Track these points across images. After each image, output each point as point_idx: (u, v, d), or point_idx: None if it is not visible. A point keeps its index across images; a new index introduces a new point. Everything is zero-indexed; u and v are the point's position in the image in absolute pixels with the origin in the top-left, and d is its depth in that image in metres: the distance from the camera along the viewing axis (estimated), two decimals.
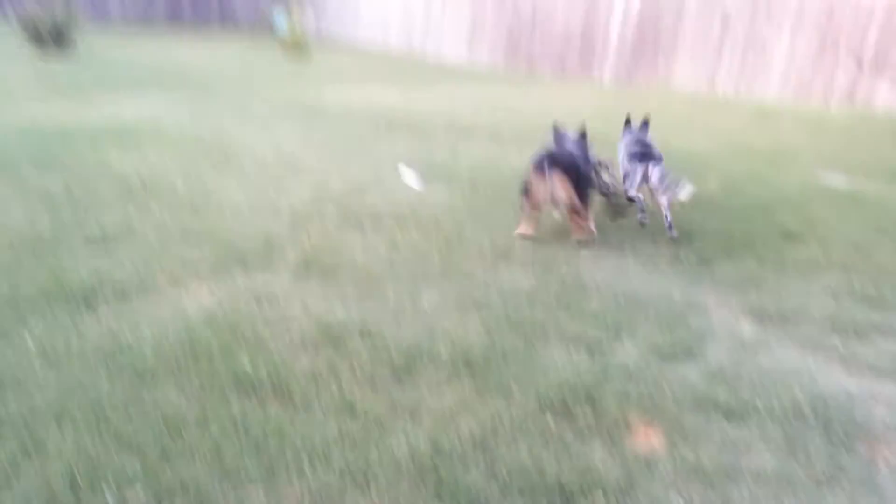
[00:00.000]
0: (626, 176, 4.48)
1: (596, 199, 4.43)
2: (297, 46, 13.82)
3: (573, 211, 4.14)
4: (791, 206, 5.35)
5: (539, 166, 4.02)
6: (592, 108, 10.06)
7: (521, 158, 6.37)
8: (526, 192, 4.13)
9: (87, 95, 7.15)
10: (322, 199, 4.64)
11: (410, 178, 5.41)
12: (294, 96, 8.55)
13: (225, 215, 4.12)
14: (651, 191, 4.44)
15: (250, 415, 2.31)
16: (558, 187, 4.00)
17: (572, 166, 4.05)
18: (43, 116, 6.01)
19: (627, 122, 4.86)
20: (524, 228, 4.25)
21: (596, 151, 4.62)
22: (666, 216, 4.36)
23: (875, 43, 13.13)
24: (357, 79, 11.17)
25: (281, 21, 16.81)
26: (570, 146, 4.38)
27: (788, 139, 8.71)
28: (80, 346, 2.57)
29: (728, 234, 4.54)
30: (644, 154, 4.41)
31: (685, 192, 4.29)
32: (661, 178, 4.34)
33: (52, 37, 9.96)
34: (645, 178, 4.36)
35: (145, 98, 7.30)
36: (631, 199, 4.43)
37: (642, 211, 4.45)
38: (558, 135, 4.56)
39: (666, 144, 7.52)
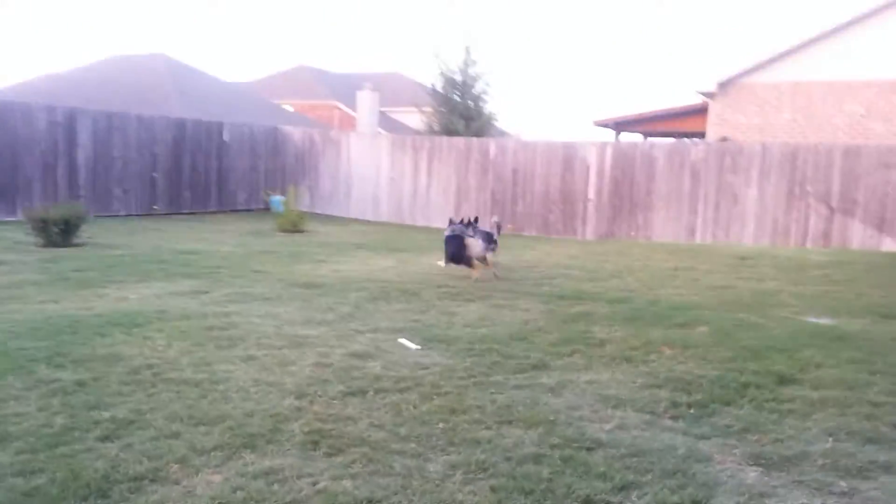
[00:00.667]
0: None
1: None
2: (294, 225, 14.53)
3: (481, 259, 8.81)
4: (782, 350, 5.53)
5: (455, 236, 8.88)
6: (575, 261, 10.50)
7: (514, 317, 6.63)
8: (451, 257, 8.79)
9: (93, 287, 7.45)
10: (325, 372, 4.77)
11: (410, 346, 5.58)
12: (293, 273, 8.91)
13: (231, 397, 4.23)
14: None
15: None
16: (472, 248, 8.68)
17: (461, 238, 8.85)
18: (52, 310, 6.24)
19: (475, 222, 9.35)
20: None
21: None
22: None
23: (840, 183, 14.04)
24: (352, 250, 11.67)
25: (277, 203, 17.77)
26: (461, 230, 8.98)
27: (771, 284, 9.06)
28: None
29: (723, 382, 4.67)
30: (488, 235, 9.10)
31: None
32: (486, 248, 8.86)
33: (59, 231, 10.50)
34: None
35: (150, 287, 7.61)
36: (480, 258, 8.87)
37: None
38: (455, 225, 9.20)
39: (653, 296, 7.86)
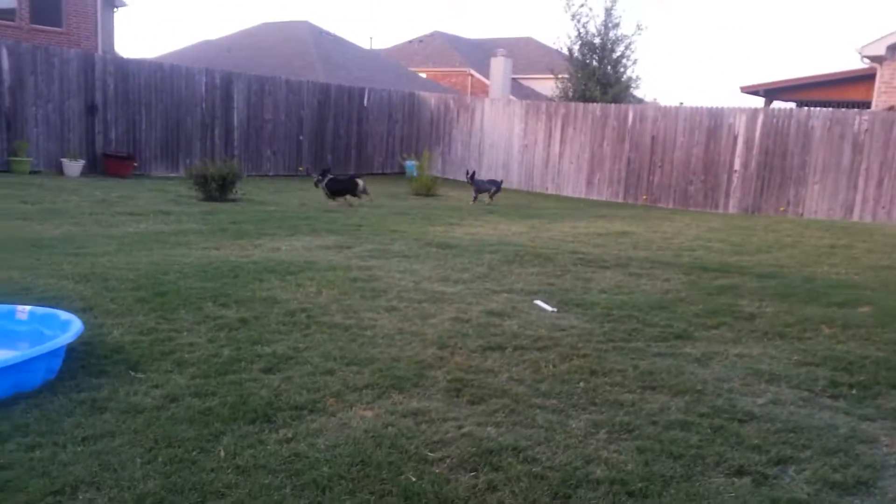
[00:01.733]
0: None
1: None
2: (427, 189, 14.82)
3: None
4: None
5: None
6: (718, 234, 9.97)
7: (655, 288, 6.42)
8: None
9: (249, 238, 8.00)
10: (464, 327, 4.86)
11: (546, 307, 5.57)
12: (428, 234, 9.11)
13: (378, 342, 4.41)
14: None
15: None
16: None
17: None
18: (215, 256, 6.78)
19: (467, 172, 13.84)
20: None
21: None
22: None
23: None
24: (483, 215, 11.75)
25: (411, 167, 18.18)
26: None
27: None
28: (265, 457, 2.81)
29: (890, 364, 4.31)
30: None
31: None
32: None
33: (217, 187, 11.34)
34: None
35: (298, 240, 8.07)
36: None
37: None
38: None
39: (807, 273, 7.34)
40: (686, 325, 5.18)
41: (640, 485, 2.76)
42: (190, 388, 3.47)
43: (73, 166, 13.55)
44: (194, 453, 2.81)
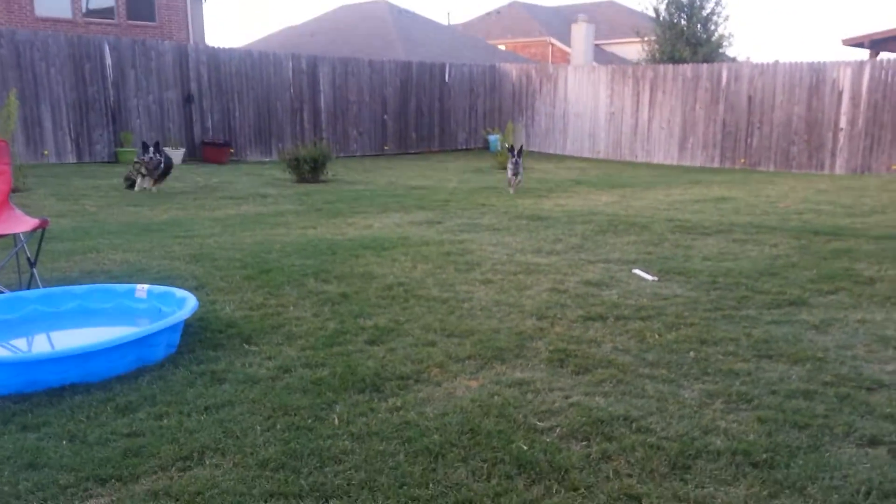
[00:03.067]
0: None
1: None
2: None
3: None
4: None
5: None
6: (826, 195, 9.38)
7: (762, 254, 6.10)
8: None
9: (343, 216, 8.17)
10: (561, 298, 4.78)
11: (646, 276, 5.40)
12: (517, 206, 9.02)
13: (476, 314, 4.40)
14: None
15: (539, 497, 2.38)
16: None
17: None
18: (312, 235, 6.95)
19: (511, 148, 10.85)
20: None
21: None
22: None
23: None
24: (572, 186, 11.53)
25: (495, 140, 18.04)
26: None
27: None
28: (377, 425, 2.86)
29: None
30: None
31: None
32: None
33: (309, 169, 11.63)
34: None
35: (389, 217, 8.16)
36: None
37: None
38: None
39: None
40: (800, 292, 4.90)
41: (764, 455, 2.63)
42: (300, 360, 3.57)
43: (175, 154, 14.22)
44: (310, 421, 2.89)
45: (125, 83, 14.01)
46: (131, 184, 10.16)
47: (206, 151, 14.81)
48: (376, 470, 2.52)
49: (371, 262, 5.71)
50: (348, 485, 2.43)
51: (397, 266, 5.60)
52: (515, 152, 10.55)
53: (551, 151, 18.51)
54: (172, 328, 3.61)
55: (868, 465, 2.55)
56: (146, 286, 4.33)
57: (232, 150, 15.22)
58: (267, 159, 15.62)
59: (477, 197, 10.05)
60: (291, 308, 4.45)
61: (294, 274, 5.26)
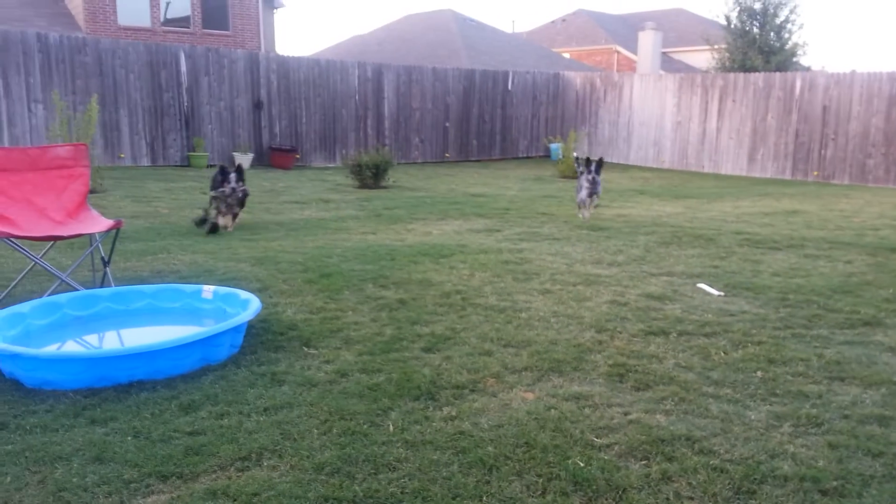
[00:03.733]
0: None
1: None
2: (573, 170, 14.49)
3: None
4: None
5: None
6: None
7: (835, 271, 5.84)
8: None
9: (402, 223, 8.24)
10: (622, 310, 4.68)
11: (712, 291, 5.24)
12: (575, 216, 8.90)
13: (534, 325, 4.36)
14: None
15: None
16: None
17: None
18: (372, 240, 7.03)
19: (587, 162, 8.64)
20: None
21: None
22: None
23: None
24: (634, 196, 11.31)
25: (557, 149, 17.88)
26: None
27: None
28: (431, 434, 2.85)
29: None
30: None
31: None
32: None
33: (371, 175, 11.79)
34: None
35: (449, 224, 8.18)
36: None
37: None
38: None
39: None
40: (875, 311, 4.66)
41: (834, 483, 2.51)
42: (358, 365, 3.60)
43: (244, 159, 14.66)
44: (365, 426, 2.91)
45: (198, 90, 14.52)
46: (212, 227, 7.22)
47: (274, 157, 15.20)
48: (430, 479, 2.51)
49: (429, 269, 5.72)
50: (402, 493, 2.43)
51: (455, 274, 5.60)
52: (593, 167, 8.18)
53: (615, 161, 18.22)
54: (236, 329, 3.70)
55: None
56: (212, 287, 4.45)
57: (298, 156, 15.57)
58: (331, 165, 15.92)
59: (537, 205, 9.97)
60: (350, 313, 4.50)
61: (353, 279, 5.32)
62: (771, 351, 3.90)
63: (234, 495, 2.40)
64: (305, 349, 3.83)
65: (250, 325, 3.98)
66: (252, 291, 4.52)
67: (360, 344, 3.92)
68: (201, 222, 7.31)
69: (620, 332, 4.25)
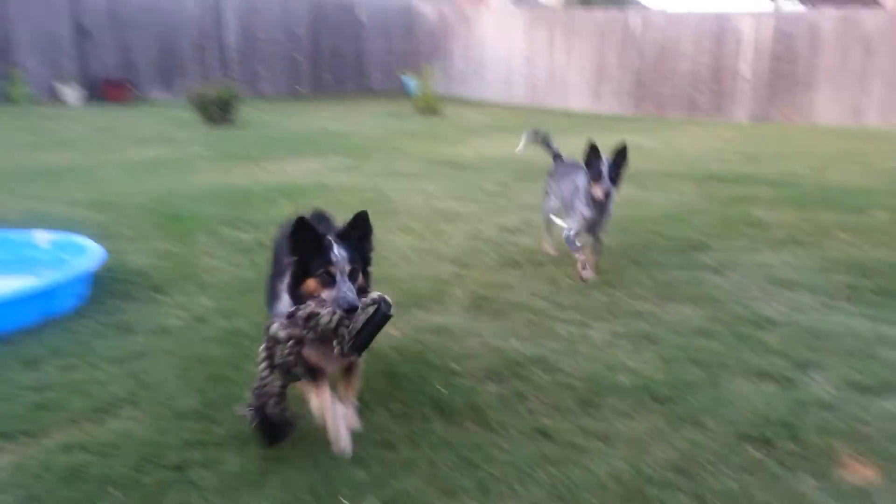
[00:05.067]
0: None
1: None
2: (429, 107, 14.53)
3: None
4: None
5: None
6: (731, 148, 9.82)
7: (668, 200, 6.37)
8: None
9: (254, 160, 7.92)
10: (479, 244, 4.87)
11: (561, 223, 5.55)
12: (434, 152, 9.01)
13: (396, 262, 4.43)
14: None
15: (454, 436, 2.48)
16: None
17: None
18: (225, 181, 6.73)
19: (592, 151, 4.11)
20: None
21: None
22: None
23: None
24: (489, 132, 11.58)
25: (412, 84, 17.78)
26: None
27: None
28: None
29: None
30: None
31: None
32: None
33: (217, 110, 11.14)
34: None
35: (305, 163, 7.98)
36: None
37: None
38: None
39: (821, 180, 7.28)
40: (702, 236, 5.17)
41: (666, 391, 2.82)
42: (216, 310, 3.50)
43: (71, 94, 13.29)
44: (228, 371, 2.86)
45: (7, 12, 12.83)
46: (274, 429, 2.36)
47: (106, 90, 13.89)
48: (297, 416, 2.53)
49: (287, 210, 5.58)
50: None
51: None
52: (605, 163, 4.06)
53: (468, 96, 18.42)
54: (79, 279, 3.45)
55: (759, 398, 2.78)
56: (48, 234, 4.10)
57: (134, 89, 14.34)
58: (173, 100, 14.84)
59: (395, 142, 9.95)
60: (205, 257, 4.33)
61: (206, 221, 5.09)
62: (612, 276, 4.24)
63: (90, 447, 2.30)
64: (158, 296, 3.66)
65: (95, 275, 3.72)
66: (93, 238, 4.19)
67: (217, 289, 3.80)
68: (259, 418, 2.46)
69: (478, 266, 4.42)
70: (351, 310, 2.17)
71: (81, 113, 11.70)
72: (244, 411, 2.30)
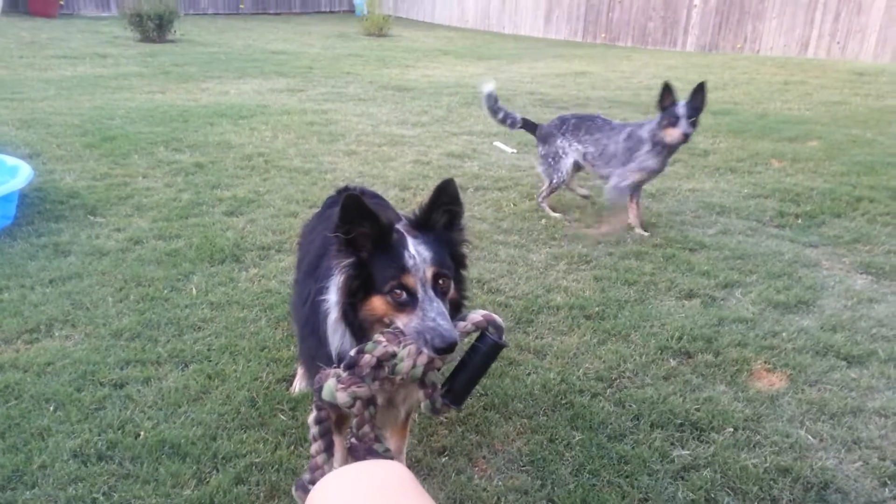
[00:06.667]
0: None
1: None
2: (379, 29, 14.10)
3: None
4: None
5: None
6: (675, 76, 9.89)
7: None
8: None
9: (194, 81, 7.62)
10: (424, 169, 4.86)
11: (506, 149, 5.57)
12: (383, 76, 8.81)
13: (340, 185, 4.39)
14: None
15: None
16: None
17: None
18: (161, 100, 6.47)
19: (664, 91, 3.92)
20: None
21: None
22: None
23: None
24: (439, 56, 11.35)
25: (361, 4, 17.16)
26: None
27: (890, 101, 8.35)
28: (237, 294, 2.88)
29: (835, 195, 4.51)
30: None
31: None
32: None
33: (154, 26, 10.59)
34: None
35: (247, 83, 7.72)
36: None
37: None
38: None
39: (760, 109, 7.43)
40: None
41: (596, 308, 2.94)
42: (153, 231, 3.45)
43: None
44: (165, 291, 2.85)
45: None
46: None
47: (31, 3, 13.00)
48: (237, 335, 2.57)
49: (228, 131, 5.45)
50: (209, 350, 2.46)
51: (257, 135, 5.39)
52: (683, 105, 3.78)
53: (419, 18, 17.93)
54: (5, 198, 3.33)
55: (683, 315, 2.92)
56: None
57: (62, 2, 13.46)
58: (105, 14, 14.00)
59: (342, 64, 9.68)
60: (140, 178, 4.22)
61: (142, 142, 4.93)
62: (553, 201, 4.31)
63: (24, 366, 2.29)
64: (91, 218, 3.57)
65: (23, 195, 3.60)
66: (21, 157, 4.03)
67: (154, 210, 3.73)
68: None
69: (423, 190, 4.43)
70: (447, 349, 1.39)
71: (3, 25, 10.96)
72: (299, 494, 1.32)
